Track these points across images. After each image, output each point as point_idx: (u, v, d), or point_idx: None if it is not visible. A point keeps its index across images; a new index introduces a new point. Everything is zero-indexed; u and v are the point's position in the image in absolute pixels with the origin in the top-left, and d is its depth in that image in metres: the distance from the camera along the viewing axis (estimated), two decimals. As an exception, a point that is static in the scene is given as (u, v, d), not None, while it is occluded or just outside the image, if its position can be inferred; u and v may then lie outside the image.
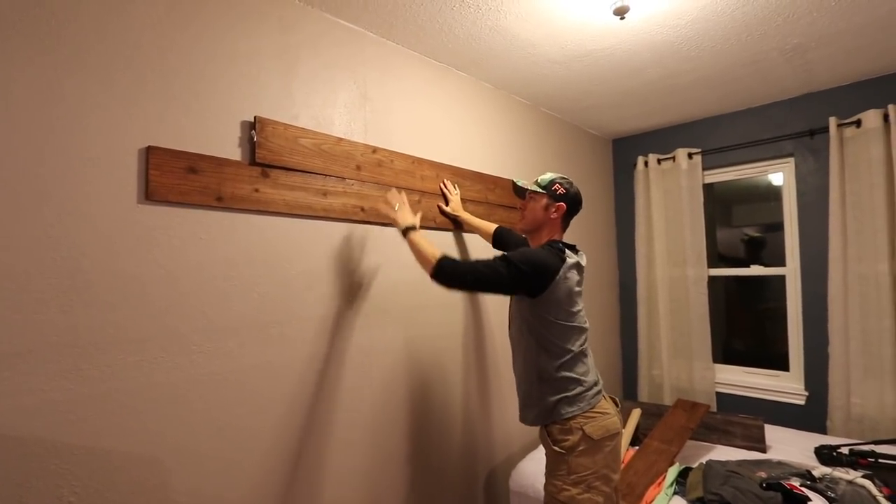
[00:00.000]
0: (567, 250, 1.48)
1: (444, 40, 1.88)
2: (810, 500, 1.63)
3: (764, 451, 2.14)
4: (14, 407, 1.01)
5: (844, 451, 2.00)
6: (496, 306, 2.26)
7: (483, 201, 2.22)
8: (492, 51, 1.98)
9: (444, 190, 2.01)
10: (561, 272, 1.41)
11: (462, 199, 2.07)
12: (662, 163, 3.09)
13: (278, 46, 1.51)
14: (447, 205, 2.02)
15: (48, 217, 1.06)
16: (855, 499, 1.64)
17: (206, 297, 1.31)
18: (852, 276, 2.40)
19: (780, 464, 1.94)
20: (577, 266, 1.49)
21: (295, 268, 1.51)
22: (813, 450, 2.08)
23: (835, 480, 1.77)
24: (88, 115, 1.13)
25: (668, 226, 3.06)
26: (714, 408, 2.83)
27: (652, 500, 1.78)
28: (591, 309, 2.91)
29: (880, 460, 1.90)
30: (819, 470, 1.85)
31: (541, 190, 1.56)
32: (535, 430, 1.53)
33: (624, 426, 1.85)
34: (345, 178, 1.65)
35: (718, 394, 2.89)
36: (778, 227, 2.79)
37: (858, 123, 2.39)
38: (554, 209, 1.54)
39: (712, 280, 2.94)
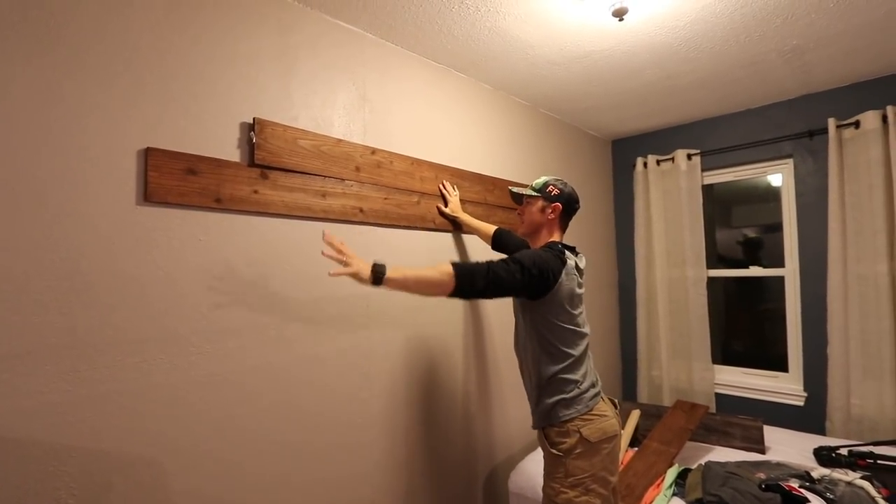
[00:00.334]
0: (567, 252, 1.48)
1: (443, 41, 1.88)
2: (809, 501, 1.63)
3: (763, 452, 2.14)
4: (12, 409, 1.01)
5: (843, 452, 2.00)
6: (496, 306, 2.26)
7: (482, 202, 2.22)
8: (491, 52, 1.98)
9: (443, 191, 2.02)
10: (562, 274, 1.41)
11: (461, 200, 2.07)
12: (662, 164, 3.09)
13: (277, 48, 1.51)
14: (446, 206, 2.02)
15: (47, 218, 1.06)
16: (854, 500, 1.65)
17: (206, 298, 1.31)
18: (851, 277, 2.40)
19: (778, 465, 1.94)
20: (577, 268, 1.49)
21: (294, 269, 1.51)
22: (812, 451, 2.08)
23: (834, 482, 1.77)
24: (87, 117, 1.13)
25: (667, 227, 3.06)
26: (713, 409, 2.83)
27: (651, 502, 1.78)
28: (591, 310, 2.91)
29: (879, 461, 1.90)
30: (818, 471, 1.85)
31: (535, 193, 1.57)
32: (535, 431, 1.53)
33: (623, 427, 1.85)
34: (344, 180, 1.65)
35: (717, 395, 2.90)
36: (777, 228, 2.79)
37: (857, 125, 2.39)
38: (550, 210, 1.55)
39: (711, 281, 2.94)
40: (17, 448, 1.01)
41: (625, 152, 3.34)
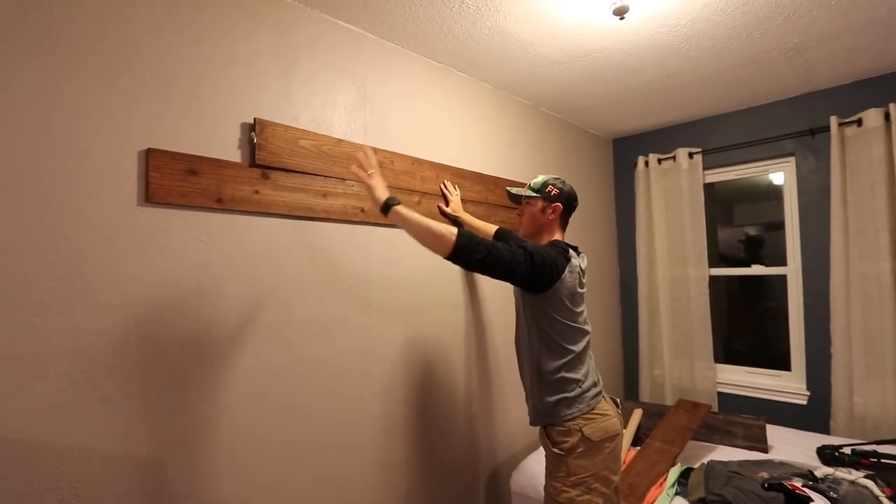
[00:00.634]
0: (570, 250, 1.48)
1: (444, 41, 1.88)
2: (812, 500, 1.62)
3: (766, 451, 2.13)
4: (15, 410, 1.01)
5: (846, 451, 2.00)
6: (497, 306, 2.26)
7: (483, 202, 2.22)
8: (491, 51, 1.98)
9: (444, 191, 2.01)
10: (566, 271, 1.41)
11: (462, 199, 2.07)
12: (663, 162, 3.08)
13: (277, 48, 1.51)
14: (447, 205, 2.02)
15: (48, 219, 1.06)
16: (857, 499, 1.64)
17: (207, 298, 1.31)
18: (854, 276, 2.39)
19: (781, 464, 1.94)
20: (579, 267, 1.49)
21: (295, 269, 1.51)
22: (815, 450, 2.07)
23: (837, 481, 1.76)
24: (88, 117, 1.13)
25: (668, 225, 3.05)
26: (715, 408, 2.82)
27: (654, 501, 1.77)
28: (593, 309, 2.90)
29: (883, 460, 1.89)
30: (821, 470, 1.84)
31: (534, 194, 1.56)
32: (537, 429, 1.53)
33: (625, 426, 1.85)
34: (345, 180, 1.65)
35: (720, 394, 2.89)
36: (779, 226, 2.79)
37: (859, 122, 2.38)
38: (550, 210, 1.54)
39: (713, 280, 2.93)
40: (20, 449, 1.01)
41: (626, 151, 3.33)
